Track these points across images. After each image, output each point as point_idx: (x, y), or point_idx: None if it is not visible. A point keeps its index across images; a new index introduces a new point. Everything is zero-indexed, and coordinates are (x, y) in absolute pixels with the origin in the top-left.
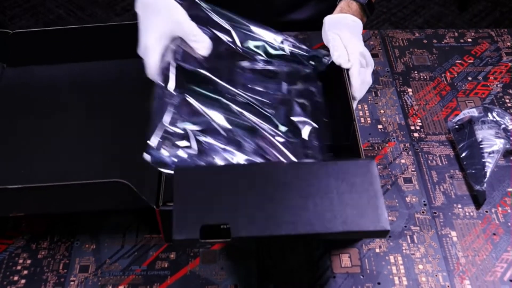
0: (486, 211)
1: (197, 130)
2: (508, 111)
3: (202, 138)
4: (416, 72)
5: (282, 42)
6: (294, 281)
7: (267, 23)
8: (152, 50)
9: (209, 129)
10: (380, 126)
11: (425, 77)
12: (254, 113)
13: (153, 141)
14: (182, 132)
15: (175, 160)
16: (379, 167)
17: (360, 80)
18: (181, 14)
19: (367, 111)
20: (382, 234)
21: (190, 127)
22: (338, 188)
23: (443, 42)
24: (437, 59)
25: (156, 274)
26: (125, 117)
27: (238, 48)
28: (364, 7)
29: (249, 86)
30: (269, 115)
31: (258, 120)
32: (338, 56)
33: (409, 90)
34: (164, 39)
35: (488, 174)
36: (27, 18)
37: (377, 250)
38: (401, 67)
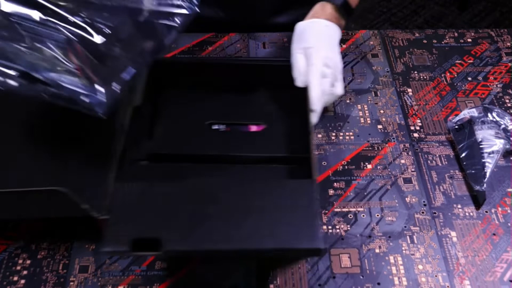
0: (486, 212)
1: None
2: (508, 111)
3: None
4: (416, 72)
5: None
6: (294, 281)
7: (252, 27)
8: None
9: None
10: (380, 126)
11: (425, 77)
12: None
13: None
14: None
15: None
16: (379, 167)
17: (319, 91)
18: None
19: (366, 111)
20: (316, 252)
21: None
22: (277, 206)
23: (443, 42)
24: (437, 59)
25: (156, 274)
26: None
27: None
28: (340, 9)
29: None
30: None
31: None
32: (295, 80)
33: (409, 90)
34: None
35: (488, 174)
36: None
37: (377, 251)
38: (401, 67)
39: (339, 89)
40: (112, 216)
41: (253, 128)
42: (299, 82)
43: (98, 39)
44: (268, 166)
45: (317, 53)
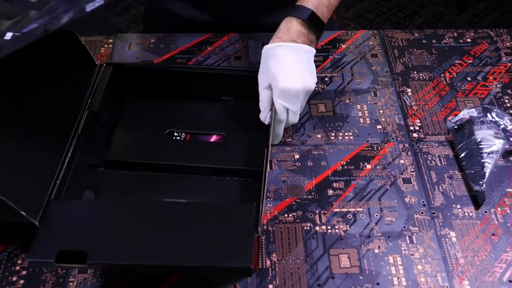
0: (485, 212)
1: None
2: (507, 111)
3: None
4: (415, 72)
5: None
6: (293, 281)
7: (240, 27)
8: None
9: None
10: (379, 126)
11: (424, 77)
12: None
13: None
14: None
15: None
16: (378, 167)
17: (275, 129)
18: None
19: (366, 111)
20: (246, 272)
21: None
22: (213, 226)
23: (442, 42)
24: (437, 59)
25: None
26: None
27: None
28: (307, 24)
29: None
30: None
31: None
32: (261, 116)
33: (408, 90)
34: None
35: (487, 174)
36: None
37: (376, 251)
38: (401, 67)
39: (293, 119)
40: (42, 226)
41: (213, 138)
42: (261, 117)
43: None
44: (223, 178)
45: (276, 89)
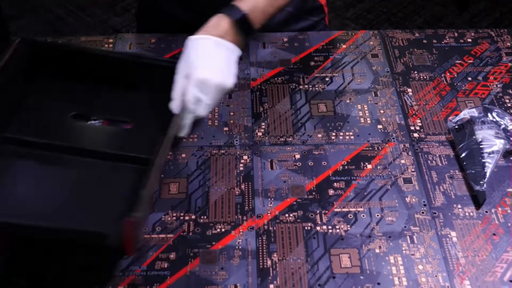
0: (486, 212)
1: None
2: (508, 111)
3: None
4: (416, 72)
5: None
6: (294, 281)
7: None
8: None
9: None
10: (380, 126)
11: (425, 77)
12: None
13: None
14: None
15: None
16: (379, 167)
17: (182, 118)
18: None
19: (367, 111)
20: (98, 238)
21: None
22: (89, 195)
23: (443, 42)
24: (437, 59)
25: (156, 274)
26: None
27: None
28: (237, 25)
29: None
30: None
31: None
32: (171, 104)
33: (409, 90)
34: None
35: (488, 174)
36: (27, 18)
37: (377, 251)
38: (401, 67)
39: (202, 111)
40: None
41: (125, 126)
42: (172, 105)
43: None
44: (119, 164)
45: (193, 78)
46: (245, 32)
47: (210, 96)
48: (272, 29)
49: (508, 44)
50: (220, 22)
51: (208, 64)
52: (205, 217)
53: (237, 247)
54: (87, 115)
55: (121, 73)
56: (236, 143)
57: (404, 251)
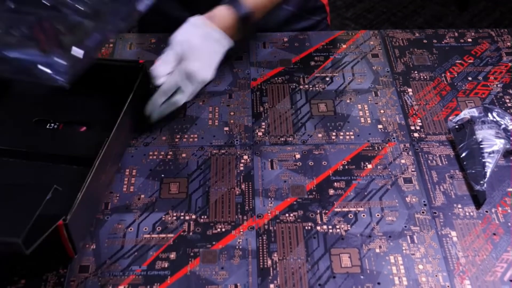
0: (486, 211)
1: None
2: (508, 111)
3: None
4: (416, 72)
5: None
6: (295, 281)
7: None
8: None
9: None
10: (380, 126)
11: (425, 77)
12: None
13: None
14: None
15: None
16: (379, 167)
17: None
18: None
19: (367, 111)
20: (14, 246)
21: None
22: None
23: (443, 42)
24: (437, 59)
25: (156, 274)
26: None
27: None
28: (239, 22)
29: None
30: None
31: None
32: (154, 69)
33: (409, 90)
34: None
35: (488, 174)
36: None
37: (377, 250)
38: (401, 67)
39: (180, 99)
40: None
41: (82, 128)
42: (156, 74)
43: (68, 12)
44: (67, 166)
45: (188, 67)
46: (246, 27)
47: (194, 88)
48: (274, 28)
49: (508, 44)
50: (226, 15)
51: (208, 61)
52: (205, 217)
53: (237, 247)
54: (47, 119)
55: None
56: (236, 143)
57: (404, 251)
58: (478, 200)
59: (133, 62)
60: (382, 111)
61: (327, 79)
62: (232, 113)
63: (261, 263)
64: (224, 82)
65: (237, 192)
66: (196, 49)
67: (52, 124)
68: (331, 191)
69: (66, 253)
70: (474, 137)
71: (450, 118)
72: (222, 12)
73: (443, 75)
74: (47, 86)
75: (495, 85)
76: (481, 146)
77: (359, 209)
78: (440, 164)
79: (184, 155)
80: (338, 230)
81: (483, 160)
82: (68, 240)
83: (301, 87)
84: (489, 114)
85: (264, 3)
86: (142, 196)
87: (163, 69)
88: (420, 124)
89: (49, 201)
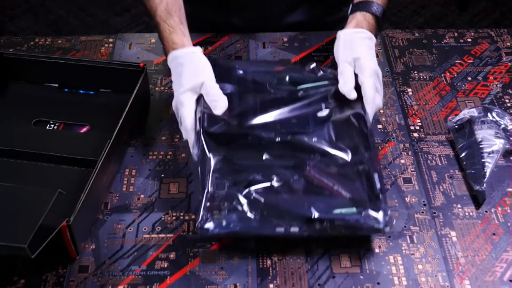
0: (486, 211)
1: (243, 187)
2: (507, 111)
3: (252, 192)
4: (415, 72)
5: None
6: (294, 281)
7: (265, 28)
8: (186, 105)
9: (253, 181)
10: (379, 126)
11: (424, 77)
12: (295, 148)
13: (201, 214)
14: (227, 194)
15: (224, 225)
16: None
17: (373, 104)
18: (207, 72)
19: None
20: (20, 251)
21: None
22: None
23: (442, 42)
24: (437, 59)
25: (156, 274)
26: None
27: (267, 88)
28: (379, 21)
29: (285, 118)
30: (313, 144)
31: (302, 154)
32: (343, 85)
33: (409, 90)
34: (194, 94)
35: (487, 174)
36: (27, 18)
37: (377, 250)
38: (401, 67)
39: (380, 101)
40: None
41: (84, 129)
42: (346, 90)
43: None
44: (69, 167)
45: (369, 66)
46: (382, 23)
47: (379, 85)
48: (309, 23)
49: (508, 44)
50: (367, 18)
51: (371, 55)
52: None
53: (237, 247)
54: (47, 120)
55: (81, 77)
56: None
57: (404, 251)
58: (477, 200)
59: (134, 64)
60: (381, 111)
61: None
62: None
63: (261, 263)
64: None
65: None
66: (367, 51)
67: (52, 125)
68: None
69: (68, 254)
70: (474, 137)
71: (450, 118)
72: (363, 18)
73: (442, 75)
74: (47, 86)
75: (494, 85)
76: (480, 146)
77: None
78: (440, 164)
79: (184, 155)
80: None
81: (483, 160)
82: (71, 241)
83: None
84: (489, 114)
85: None
86: (142, 196)
87: (345, 79)
88: (419, 124)
89: (52, 204)
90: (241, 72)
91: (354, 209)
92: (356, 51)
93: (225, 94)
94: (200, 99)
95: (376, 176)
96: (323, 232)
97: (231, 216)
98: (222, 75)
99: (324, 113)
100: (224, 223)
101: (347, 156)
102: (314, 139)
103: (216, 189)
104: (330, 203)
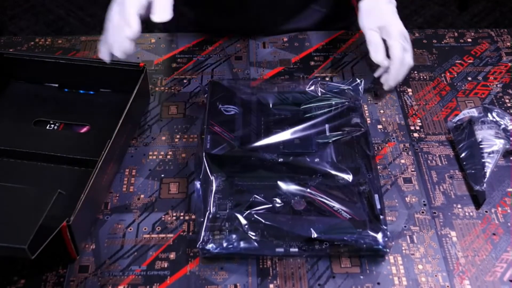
0: (486, 211)
1: (245, 208)
2: (508, 111)
3: (253, 213)
4: (415, 72)
5: (310, 87)
6: (294, 281)
7: (268, 34)
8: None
9: (255, 202)
10: (380, 126)
11: (424, 77)
12: (297, 169)
13: (203, 235)
14: (229, 215)
15: (225, 246)
16: (379, 167)
17: (399, 62)
18: None
19: (366, 111)
20: (19, 252)
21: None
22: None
23: (443, 42)
24: (437, 59)
25: (156, 274)
26: None
27: (270, 108)
28: None
29: (288, 139)
30: (315, 166)
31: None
32: (375, 54)
33: (409, 90)
34: None
35: (488, 174)
36: (27, 18)
37: None
38: None
39: (410, 60)
40: None
41: (84, 129)
42: (379, 59)
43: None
44: (69, 167)
45: (395, 29)
46: None
47: (408, 44)
48: (311, 29)
49: (508, 44)
50: None
51: (395, 18)
52: None
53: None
54: (47, 120)
55: (81, 77)
56: None
57: (404, 251)
58: (477, 200)
59: (134, 64)
60: (381, 111)
61: (327, 79)
62: None
63: (261, 263)
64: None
65: None
66: (392, 14)
67: (52, 125)
68: None
69: (68, 254)
70: (474, 137)
71: (450, 118)
72: None
73: (442, 75)
74: (47, 86)
75: (494, 85)
76: (480, 146)
77: None
78: (440, 164)
79: (184, 155)
80: None
81: (483, 160)
82: (71, 241)
83: (301, 86)
84: (489, 114)
85: None
86: (142, 196)
87: (375, 47)
88: (419, 124)
89: (52, 204)
90: (243, 94)
91: (354, 230)
92: (380, 17)
93: (228, 115)
94: (203, 118)
95: (376, 197)
96: (323, 252)
97: (232, 237)
98: (225, 97)
99: (327, 134)
100: (225, 244)
101: (348, 177)
102: (317, 159)
103: (218, 210)
104: (330, 223)
